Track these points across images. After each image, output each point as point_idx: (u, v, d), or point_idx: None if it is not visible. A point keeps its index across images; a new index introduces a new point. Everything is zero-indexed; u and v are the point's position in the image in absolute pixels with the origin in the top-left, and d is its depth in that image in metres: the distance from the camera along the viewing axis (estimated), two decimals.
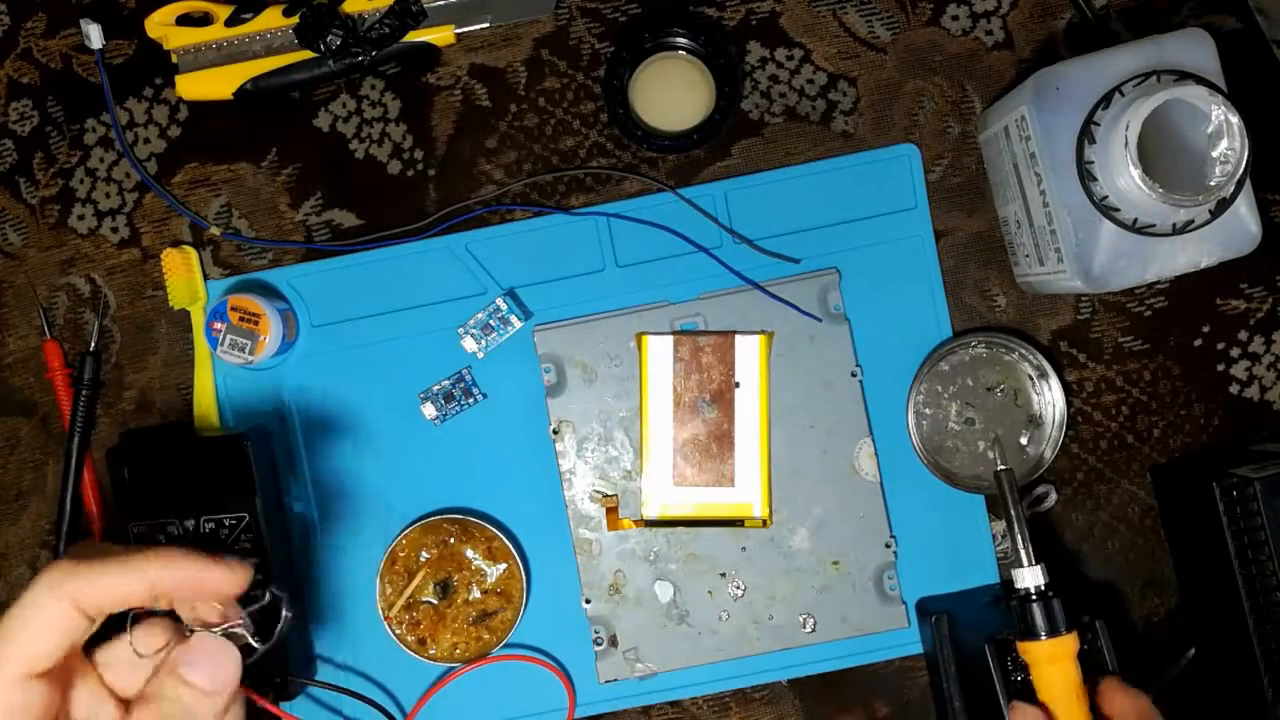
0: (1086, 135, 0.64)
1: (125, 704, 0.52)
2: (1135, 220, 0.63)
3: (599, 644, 0.75)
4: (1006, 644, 0.69)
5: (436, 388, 0.76)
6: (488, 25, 0.77)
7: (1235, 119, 0.60)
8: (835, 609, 0.75)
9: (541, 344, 0.76)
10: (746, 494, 0.75)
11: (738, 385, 0.76)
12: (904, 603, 0.75)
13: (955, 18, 0.77)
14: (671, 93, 0.75)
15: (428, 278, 0.77)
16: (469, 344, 0.76)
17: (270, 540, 0.73)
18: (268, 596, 0.56)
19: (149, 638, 0.52)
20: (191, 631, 0.52)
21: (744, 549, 0.76)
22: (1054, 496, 0.76)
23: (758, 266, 0.76)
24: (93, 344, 0.78)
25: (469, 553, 0.74)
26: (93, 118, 0.79)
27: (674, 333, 0.76)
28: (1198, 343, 0.77)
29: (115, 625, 0.52)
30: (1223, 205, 0.63)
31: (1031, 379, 0.76)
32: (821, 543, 0.75)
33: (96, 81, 0.78)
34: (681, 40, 0.74)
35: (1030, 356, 0.75)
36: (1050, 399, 0.75)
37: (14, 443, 0.79)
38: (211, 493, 0.73)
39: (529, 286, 0.77)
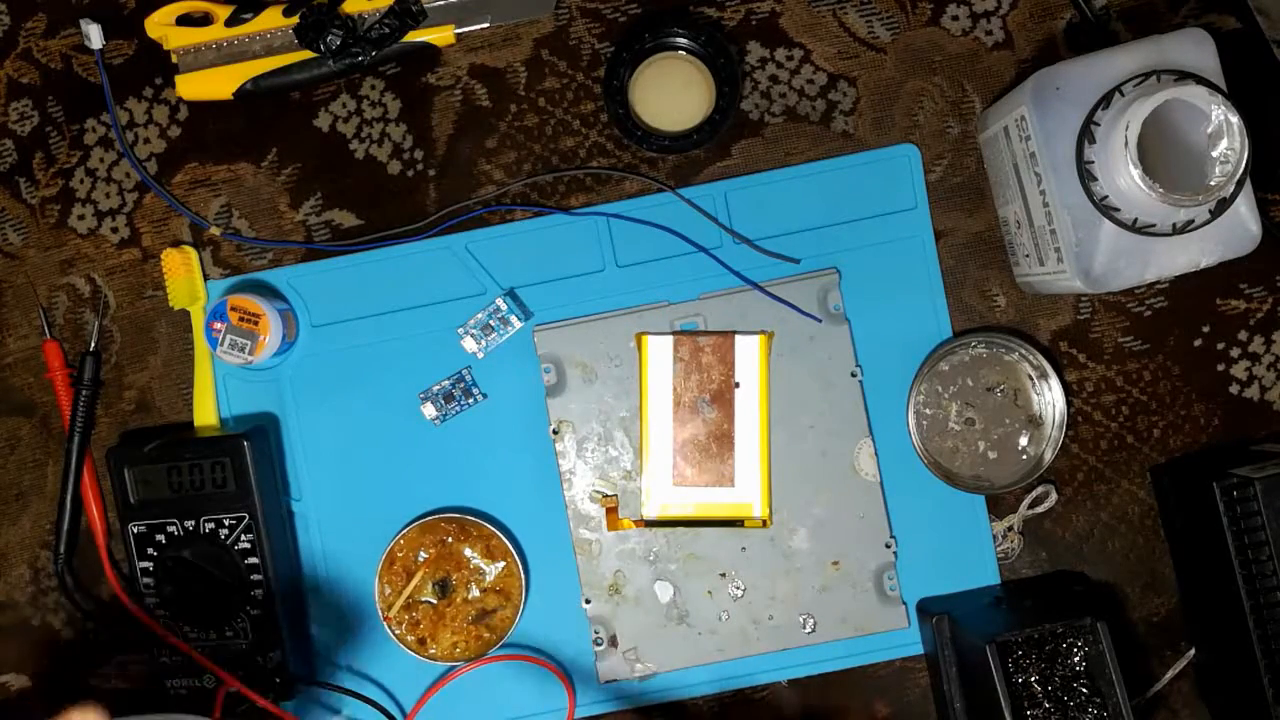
0: (1086, 135, 0.64)
1: None
2: (1135, 220, 0.63)
3: (599, 644, 0.75)
4: (1008, 645, 0.69)
5: (436, 388, 0.76)
6: (488, 25, 0.77)
7: (1235, 119, 0.60)
8: (835, 609, 0.75)
9: (541, 344, 0.76)
10: (746, 494, 0.75)
11: (738, 385, 0.76)
12: (904, 603, 0.75)
13: (955, 18, 0.77)
14: (671, 93, 0.75)
15: (428, 278, 0.77)
16: (469, 344, 0.76)
17: (270, 540, 0.73)
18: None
19: None
20: None
21: (744, 549, 0.76)
22: (1054, 496, 0.76)
23: (758, 266, 0.76)
24: (93, 344, 0.78)
25: (467, 551, 0.74)
26: (93, 118, 0.79)
27: (674, 333, 0.76)
28: (1198, 343, 0.77)
29: None
30: (1223, 205, 0.63)
31: (1031, 379, 0.76)
32: (821, 543, 0.75)
33: (96, 81, 0.78)
34: (681, 40, 0.74)
35: (1030, 356, 0.75)
36: (1050, 399, 0.75)
37: (14, 443, 0.79)
38: (211, 493, 0.73)
39: (529, 286, 0.77)
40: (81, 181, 0.79)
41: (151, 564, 0.73)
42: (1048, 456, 0.75)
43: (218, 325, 0.74)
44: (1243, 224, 0.65)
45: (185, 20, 0.77)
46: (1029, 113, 0.66)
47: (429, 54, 0.78)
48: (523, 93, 0.78)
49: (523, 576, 0.74)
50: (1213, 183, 0.61)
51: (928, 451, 0.76)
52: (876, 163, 0.77)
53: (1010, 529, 0.76)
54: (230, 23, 0.76)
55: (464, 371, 0.77)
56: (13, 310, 0.79)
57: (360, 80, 0.78)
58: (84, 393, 0.76)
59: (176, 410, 0.78)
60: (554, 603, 0.76)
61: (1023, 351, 0.75)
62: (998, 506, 0.77)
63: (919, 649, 0.76)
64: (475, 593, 0.74)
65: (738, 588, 0.76)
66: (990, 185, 0.77)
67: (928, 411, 0.76)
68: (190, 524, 0.73)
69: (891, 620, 0.75)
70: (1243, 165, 0.61)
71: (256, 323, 0.73)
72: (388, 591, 0.74)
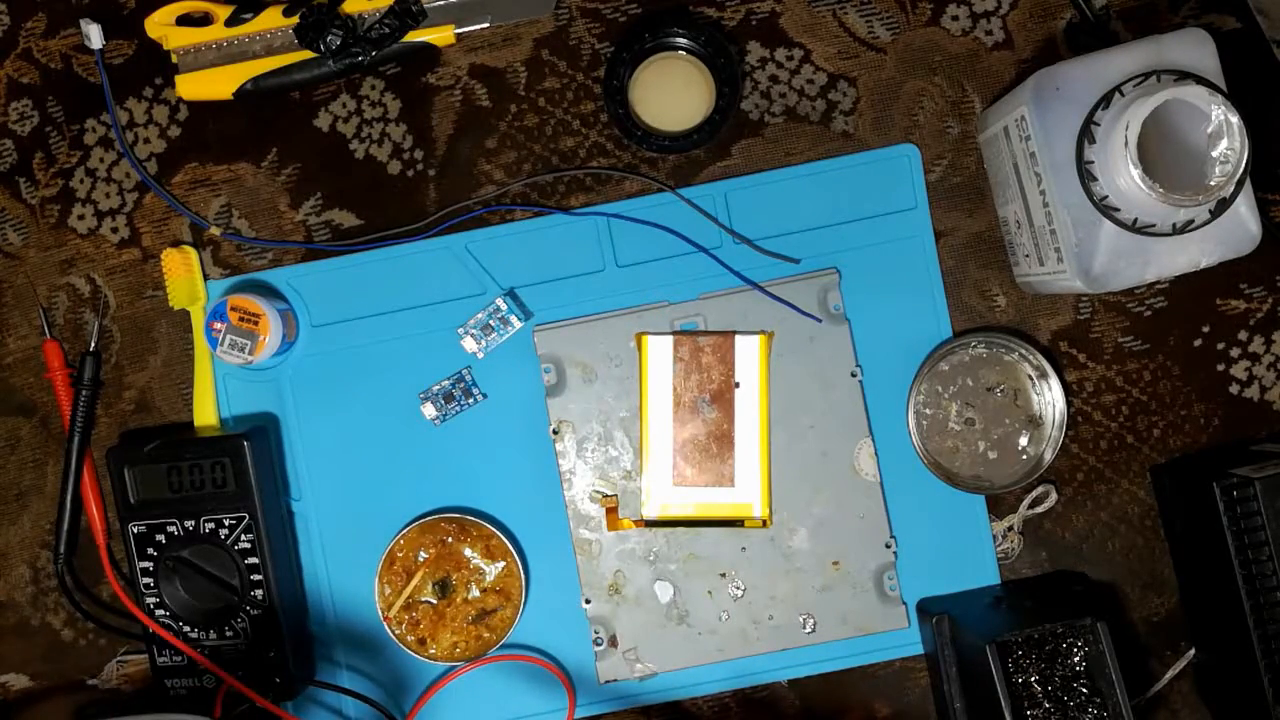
0: (1086, 135, 0.64)
1: None
2: (1135, 220, 0.63)
3: (599, 644, 0.75)
4: (1008, 645, 0.69)
5: (436, 388, 0.76)
6: (488, 25, 0.77)
7: (1235, 119, 0.60)
8: (835, 609, 0.75)
9: (541, 344, 0.76)
10: (746, 494, 0.75)
11: (738, 385, 0.76)
12: (904, 603, 0.75)
13: (955, 18, 0.77)
14: (671, 93, 0.75)
15: (428, 278, 0.77)
16: (469, 344, 0.76)
17: (270, 540, 0.73)
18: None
19: None
20: None
21: (744, 549, 0.76)
22: (1054, 496, 0.76)
23: (758, 266, 0.76)
24: (93, 344, 0.78)
25: (467, 551, 0.74)
26: (93, 118, 0.79)
27: (674, 333, 0.76)
28: (1198, 343, 0.77)
29: None
30: (1223, 205, 0.63)
31: (1031, 379, 0.76)
32: (821, 543, 0.75)
33: (96, 81, 0.78)
34: (681, 40, 0.74)
35: (1030, 356, 0.75)
36: (1050, 399, 0.75)
37: (14, 443, 0.79)
38: (211, 493, 0.73)
39: (529, 286, 0.77)
40: (81, 181, 0.79)
41: (151, 564, 0.73)
42: (1048, 456, 0.75)
43: (218, 325, 0.74)
44: (1243, 224, 0.65)
45: (185, 20, 0.77)
46: (1029, 113, 0.66)
47: (429, 54, 0.78)
48: (523, 93, 0.78)
49: (523, 576, 0.74)
50: (1213, 183, 0.61)
51: (928, 451, 0.76)
52: (876, 163, 0.77)
53: (1010, 529, 0.76)
54: (230, 23, 0.76)
55: (464, 371, 0.77)
56: (13, 310, 0.79)
57: (360, 80, 0.78)
58: (84, 393, 0.76)
59: (176, 410, 0.78)
60: (554, 603, 0.76)
61: (1023, 351, 0.75)
62: (998, 506, 0.77)
63: (919, 649, 0.76)
64: (475, 593, 0.74)
65: (738, 588, 0.76)
66: (990, 185, 0.77)
67: (928, 411, 0.76)
68: (190, 524, 0.73)
69: (891, 620, 0.75)
70: (1243, 165, 0.61)
71: (256, 323, 0.73)
72: (388, 591, 0.74)
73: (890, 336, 0.76)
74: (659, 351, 0.76)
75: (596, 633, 0.76)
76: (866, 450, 0.76)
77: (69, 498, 0.77)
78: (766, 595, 0.75)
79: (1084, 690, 0.69)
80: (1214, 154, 0.61)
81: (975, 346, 0.75)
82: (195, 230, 0.79)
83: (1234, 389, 0.77)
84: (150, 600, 0.74)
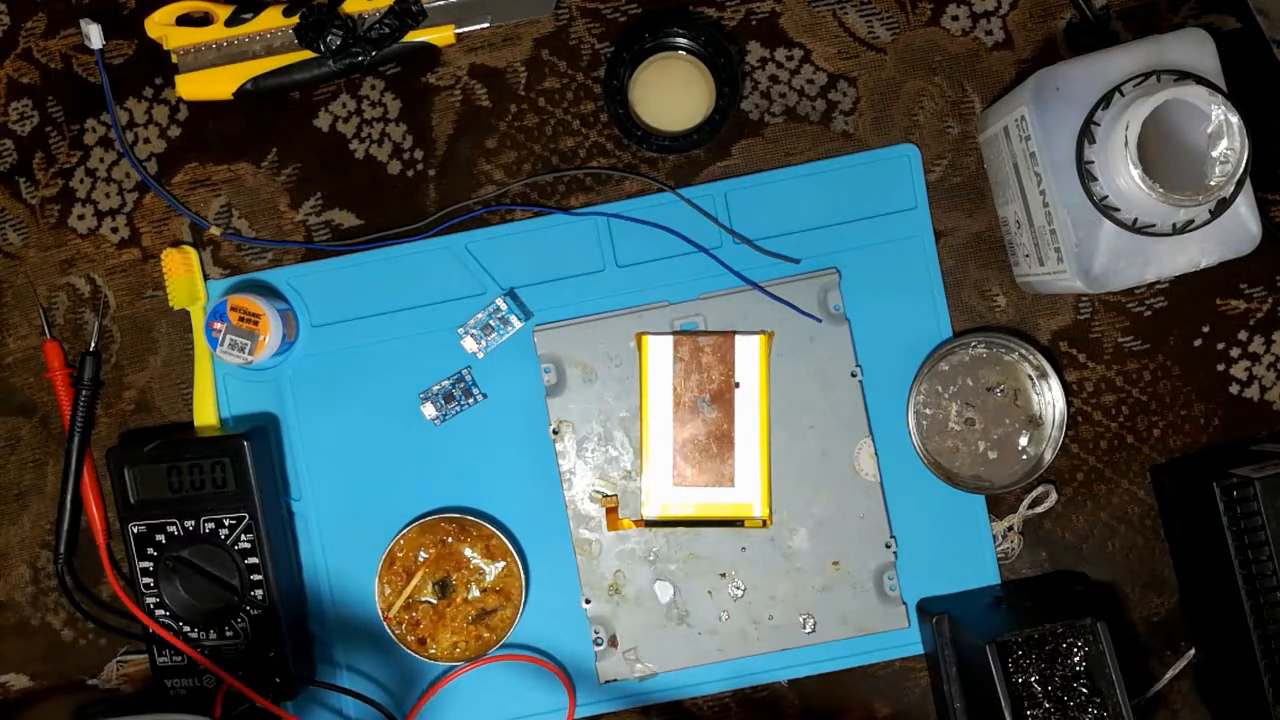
0: (1086, 135, 0.64)
1: None
2: (1135, 220, 0.63)
3: (599, 644, 0.75)
4: (1008, 645, 0.69)
5: (436, 388, 0.76)
6: (488, 25, 0.77)
7: (1235, 119, 0.60)
8: (835, 609, 0.75)
9: (541, 344, 0.76)
10: (746, 494, 0.75)
11: (738, 385, 0.76)
12: (904, 603, 0.75)
13: (955, 18, 0.77)
14: (671, 93, 0.75)
15: (428, 278, 0.77)
16: (469, 344, 0.76)
17: (270, 540, 0.73)
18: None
19: None
20: None
21: (744, 549, 0.76)
22: (1054, 496, 0.76)
23: (758, 266, 0.76)
24: (93, 344, 0.78)
25: (467, 551, 0.74)
26: (93, 118, 0.79)
27: (674, 333, 0.76)
28: (1198, 343, 0.77)
29: None
30: (1223, 205, 0.63)
31: (1031, 379, 0.76)
32: (821, 543, 0.75)
33: (96, 81, 0.78)
34: (681, 40, 0.74)
35: (1030, 356, 0.75)
36: (1050, 399, 0.75)
37: (14, 443, 0.79)
38: (211, 493, 0.73)
39: (529, 286, 0.77)
40: (81, 181, 0.79)
41: (151, 564, 0.73)
42: (1048, 456, 0.75)
43: (218, 325, 0.74)
44: (1243, 224, 0.65)
45: (185, 20, 0.77)
46: (1029, 113, 0.66)
47: (429, 54, 0.78)
48: (523, 93, 0.78)
49: (523, 576, 0.74)
50: (1213, 183, 0.61)
51: (928, 451, 0.76)
52: (876, 163, 0.77)
53: (1010, 529, 0.76)
54: (230, 23, 0.76)
55: (464, 371, 0.77)
56: (13, 310, 0.79)
57: (360, 80, 0.78)
58: (84, 393, 0.76)
59: (176, 410, 0.78)
60: (554, 603, 0.76)
61: (1023, 351, 0.75)
62: (998, 506, 0.77)
63: (919, 649, 0.76)
64: (475, 593, 0.74)
65: (738, 588, 0.76)
66: (990, 185, 0.77)
67: (928, 411, 0.76)
68: (190, 524, 0.73)
69: (891, 620, 0.75)
70: (1243, 165, 0.61)
71: (256, 323, 0.73)
72: (388, 591, 0.74)
73: (890, 336, 0.76)
74: (659, 351, 0.76)
75: (596, 633, 0.76)
76: (866, 450, 0.76)
77: (69, 498, 0.77)
78: (766, 595, 0.75)
79: (1084, 690, 0.69)
80: (1214, 154, 0.61)
81: (975, 346, 0.75)
82: (195, 230, 0.79)
83: (1234, 389, 0.77)
84: (150, 600, 0.74)
